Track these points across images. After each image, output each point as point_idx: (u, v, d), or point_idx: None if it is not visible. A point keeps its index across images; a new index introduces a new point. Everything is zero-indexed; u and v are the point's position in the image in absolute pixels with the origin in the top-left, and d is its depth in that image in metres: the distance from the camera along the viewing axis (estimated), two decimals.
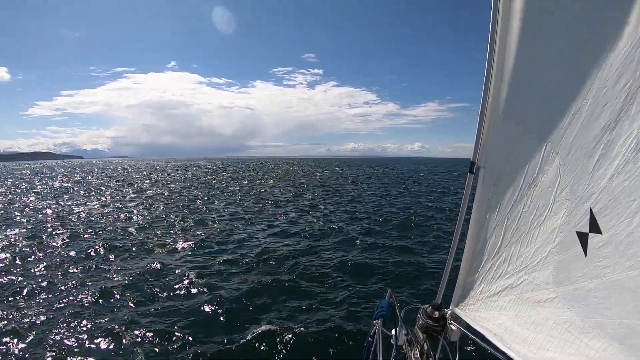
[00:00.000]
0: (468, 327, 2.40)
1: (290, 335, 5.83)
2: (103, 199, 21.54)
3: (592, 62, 1.59)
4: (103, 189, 27.97)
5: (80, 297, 7.12)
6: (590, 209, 1.65)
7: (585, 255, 1.70)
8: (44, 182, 37.49)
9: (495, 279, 2.23)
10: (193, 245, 10.88)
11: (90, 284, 7.86)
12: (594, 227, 1.65)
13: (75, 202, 20.80)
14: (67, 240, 11.91)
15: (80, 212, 17.34)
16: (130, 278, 8.14)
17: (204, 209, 18.07)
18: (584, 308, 1.74)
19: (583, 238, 1.71)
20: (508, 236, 2.11)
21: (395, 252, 10.59)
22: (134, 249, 10.50)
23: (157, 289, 7.49)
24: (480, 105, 2.10)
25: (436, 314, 2.54)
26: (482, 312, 2.32)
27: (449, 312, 2.56)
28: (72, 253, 10.35)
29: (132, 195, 22.76)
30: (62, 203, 20.07)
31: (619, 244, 1.54)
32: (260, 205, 19.50)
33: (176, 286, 7.60)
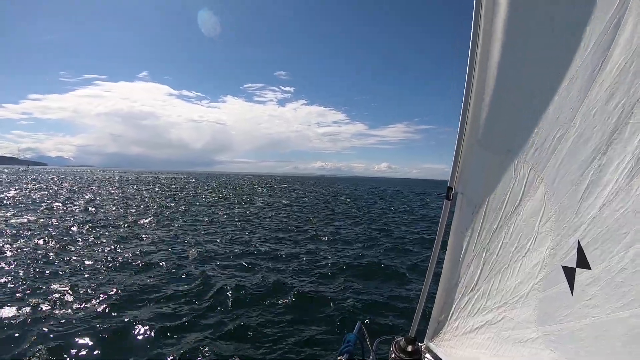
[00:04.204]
0: None
1: None
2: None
3: (581, 81, 1.48)
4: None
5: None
6: (578, 242, 1.53)
7: (572, 293, 1.56)
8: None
9: (472, 314, 2.06)
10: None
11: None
12: (582, 262, 1.52)
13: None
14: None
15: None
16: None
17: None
18: (569, 351, 1.59)
19: (570, 274, 1.57)
20: (487, 269, 1.96)
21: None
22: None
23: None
24: (458, 126, 1.98)
25: (410, 347, 2.34)
26: (458, 349, 2.13)
27: (423, 346, 2.37)
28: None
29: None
30: None
31: (610, 281, 1.41)
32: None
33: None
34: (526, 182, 1.75)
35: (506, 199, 1.84)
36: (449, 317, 2.20)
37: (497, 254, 1.90)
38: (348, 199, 39.13)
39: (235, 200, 34.07)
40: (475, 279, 2.02)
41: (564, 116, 1.56)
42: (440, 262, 2.21)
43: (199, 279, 8.90)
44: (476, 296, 2.02)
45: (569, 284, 1.57)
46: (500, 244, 1.88)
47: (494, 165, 1.88)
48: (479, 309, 2.01)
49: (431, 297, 2.31)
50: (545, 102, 1.64)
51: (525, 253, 1.77)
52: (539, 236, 1.70)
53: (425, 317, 2.36)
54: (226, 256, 11.53)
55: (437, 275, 2.25)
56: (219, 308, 7.25)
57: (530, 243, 1.74)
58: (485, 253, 1.96)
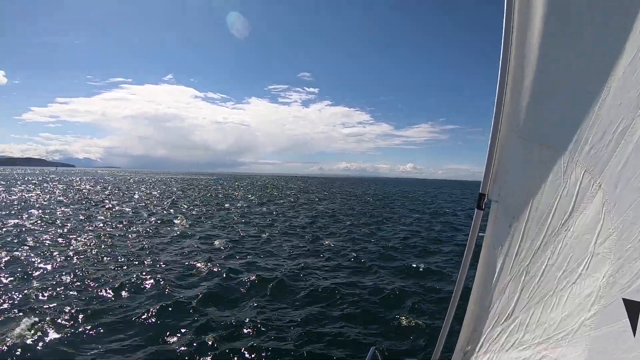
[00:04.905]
0: None
1: None
2: None
3: None
4: None
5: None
6: None
7: (634, 334, 1.22)
8: None
9: (505, 348, 1.71)
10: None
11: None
12: None
13: None
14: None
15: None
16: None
17: None
18: None
19: (633, 309, 1.23)
20: (526, 295, 1.62)
21: None
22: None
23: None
24: (491, 124, 1.66)
25: None
26: None
27: None
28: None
29: None
30: None
31: None
32: None
33: None
34: (579, 188, 1.41)
35: (553, 210, 1.50)
36: (478, 348, 1.86)
37: (540, 279, 1.56)
38: (377, 202, 38.42)
39: (258, 201, 34.24)
40: (511, 307, 1.68)
41: (627, 102, 1.23)
42: (469, 281, 1.89)
43: (225, 276, 9.07)
44: (511, 327, 1.69)
45: (631, 321, 1.24)
46: (543, 266, 1.54)
47: (538, 167, 1.54)
48: (514, 343, 1.67)
49: (458, 320, 1.98)
50: (602, 85, 1.30)
51: (576, 279, 1.42)
52: (595, 258, 1.36)
53: (451, 342, 2.05)
54: (246, 252, 11.57)
55: (466, 295, 1.93)
56: (235, 305, 7.26)
57: (582, 267, 1.40)
58: (525, 276, 1.62)
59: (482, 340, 1.82)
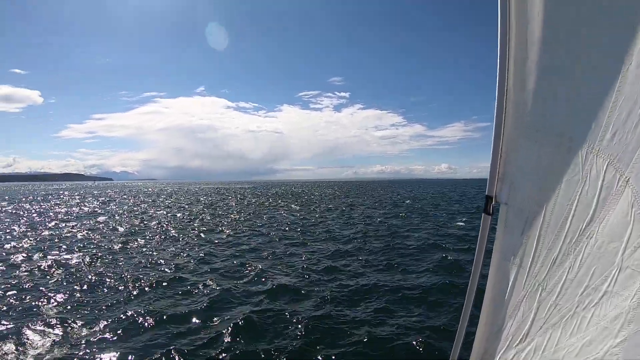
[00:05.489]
0: None
1: None
2: None
3: None
4: None
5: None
6: None
7: None
8: None
9: None
10: None
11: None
12: None
13: None
14: None
15: None
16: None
17: None
18: None
19: None
20: (542, 315, 1.38)
21: None
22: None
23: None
24: (494, 116, 1.45)
25: None
26: None
27: None
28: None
29: None
30: None
31: None
32: None
33: None
34: (601, 185, 1.18)
35: (571, 213, 1.27)
36: None
37: (558, 296, 1.32)
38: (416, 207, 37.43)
39: (298, 207, 34.42)
40: (526, 327, 1.44)
41: None
42: (480, 296, 1.67)
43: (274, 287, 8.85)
44: (527, 350, 1.44)
45: None
46: (562, 280, 1.30)
47: (551, 161, 1.32)
48: None
49: (470, 339, 1.76)
50: (621, 57, 1.08)
51: (600, 298, 1.18)
52: (623, 273, 1.12)
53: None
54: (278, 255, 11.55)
55: (476, 312, 1.71)
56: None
57: (607, 283, 1.16)
58: (541, 292, 1.38)
59: None
